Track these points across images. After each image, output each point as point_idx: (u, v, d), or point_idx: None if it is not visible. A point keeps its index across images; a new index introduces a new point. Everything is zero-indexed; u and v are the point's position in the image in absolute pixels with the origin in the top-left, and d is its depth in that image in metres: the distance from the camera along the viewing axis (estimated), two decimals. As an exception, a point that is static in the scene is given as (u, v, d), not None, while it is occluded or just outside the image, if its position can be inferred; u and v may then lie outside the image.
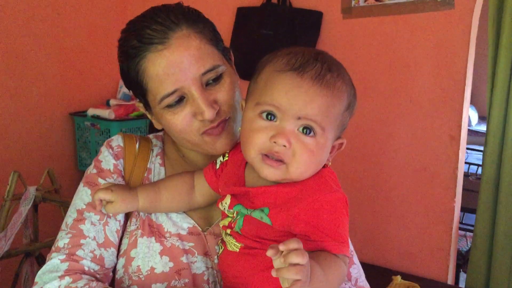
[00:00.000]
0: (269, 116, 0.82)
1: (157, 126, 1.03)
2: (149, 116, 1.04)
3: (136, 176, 1.04)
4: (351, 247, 1.03)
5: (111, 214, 0.98)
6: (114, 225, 0.99)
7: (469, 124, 4.31)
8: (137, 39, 0.92)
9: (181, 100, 0.92)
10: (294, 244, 0.66)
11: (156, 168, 1.07)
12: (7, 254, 2.06)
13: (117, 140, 1.07)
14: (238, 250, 0.87)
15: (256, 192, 0.86)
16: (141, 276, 0.96)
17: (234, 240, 0.87)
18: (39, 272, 0.93)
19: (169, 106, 0.93)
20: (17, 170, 2.18)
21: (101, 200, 0.93)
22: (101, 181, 1.01)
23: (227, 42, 2.77)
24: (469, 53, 2.27)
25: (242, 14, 2.79)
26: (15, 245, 2.12)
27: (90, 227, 0.96)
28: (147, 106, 1.00)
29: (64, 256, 0.93)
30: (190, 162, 1.07)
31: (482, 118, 5.08)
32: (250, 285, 0.86)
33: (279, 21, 2.61)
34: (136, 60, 0.92)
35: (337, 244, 0.80)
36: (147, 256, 0.97)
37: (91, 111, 2.88)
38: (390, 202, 2.58)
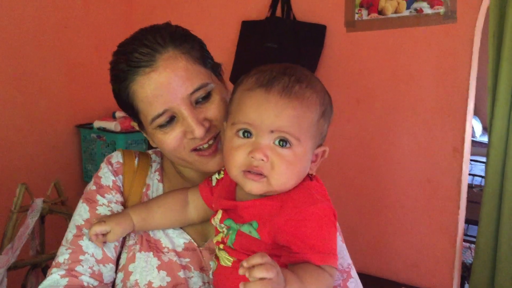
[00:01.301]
0: (245, 134, 0.84)
1: (152, 144, 1.05)
2: (144, 134, 1.06)
3: (135, 192, 1.06)
4: (349, 261, 1.04)
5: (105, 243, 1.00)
6: (112, 242, 1.00)
7: (473, 135, 4.31)
8: (126, 63, 0.94)
9: (172, 119, 0.94)
10: (257, 259, 0.67)
11: (155, 184, 1.09)
12: (13, 265, 2.07)
13: (116, 157, 1.10)
14: (230, 264, 0.88)
15: (243, 206, 0.87)
16: None
17: (227, 254, 0.88)
18: (39, 287, 0.94)
19: (160, 126, 0.95)
20: (24, 182, 2.20)
21: (98, 234, 0.95)
22: (99, 198, 1.03)
23: (231, 55, 2.81)
24: (472, 65, 2.29)
25: (247, 27, 2.82)
26: (21, 256, 2.13)
27: (88, 243, 0.98)
28: (140, 125, 1.02)
29: (64, 272, 0.95)
30: (187, 179, 1.09)
31: (486, 129, 5.08)
32: None
33: (283, 34, 2.64)
34: (126, 83, 0.95)
35: (321, 255, 0.80)
36: (145, 271, 0.98)
37: (97, 124, 2.90)
38: (394, 213, 2.58)
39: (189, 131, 0.94)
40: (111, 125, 2.84)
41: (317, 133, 0.87)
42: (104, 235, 0.96)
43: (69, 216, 2.21)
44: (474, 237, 2.86)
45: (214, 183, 0.99)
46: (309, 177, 0.89)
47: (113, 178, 1.06)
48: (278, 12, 2.72)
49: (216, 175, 0.99)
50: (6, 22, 2.61)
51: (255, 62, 2.92)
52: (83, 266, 0.96)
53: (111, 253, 1.00)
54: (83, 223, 1.00)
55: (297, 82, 0.84)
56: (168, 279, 0.97)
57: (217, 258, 0.92)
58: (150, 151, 1.16)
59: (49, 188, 2.26)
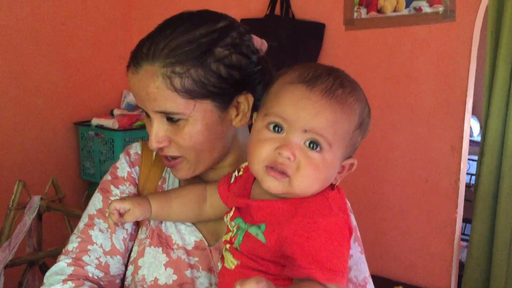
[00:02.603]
0: (276, 128, 0.80)
1: None
2: None
3: (150, 184, 1.05)
4: (366, 274, 0.99)
5: (122, 224, 0.99)
6: (121, 234, 1.00)
7: (471, 135, 4.31)
8: (132, 56, 0.93)
9: (148, 116, 0.93)
10: (251, 284, 0.64)
11: (171, 177, 1.06)
12: (11, 263, 2.07)
13: (135, 148, 1.08)
14: (233, 267, 0.84)
15: (255, 205, 0.83)
16: (145, 286, 0.96)
17: (231, 256, 0.84)
18: (47, 273, 0.95)
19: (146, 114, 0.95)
20: (21, 180, 2.19)
21: (117, 211, 0.92)
22: (113, 188, 1.03)
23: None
24: (471, 64, 2.29)
25: (246, 25, 2.81)
26: (18, 254, 2.13)
27: (98, 234, 0.98)
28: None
29: (70, 260, 0.95)
30: (201, 177, 1.04)
31: (484, 129, 5.08)
32: None
33: (282, 33, 2.63)
34: (128, 72, 0.93)
35: (327, 273, 0.73)
36: (152, 266, 0.97)
37: (95, 121, 2.90)
38: (391, 212, 2.58)
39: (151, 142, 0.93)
40: (109, 122, 2.84)
41: (350, 144, 0.83)
42: (121, 215, 0.93)
43: (66, 213, 2.21)
44: (471, 236, 2.88)
45: (232, 180, 0.94)
46: (331, 187, 0.85)
47: (129, 170, 1.05)
48: (277, 11, 2.72)
49: (236, 173, 0.95)
50: (3, 19, 2.60)
51: (254, 60, 2.90)
52: (90, 257, 0.95)
53: (120, 245, 0.99)
54: (95, 212, 1.00)
55: (341, 86, 0.80)
56: (175, 277, 0.96)
57: (222, 258, 0.88)
58: None
59: (47, 186, 2.26)
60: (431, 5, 2.31)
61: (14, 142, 2.70)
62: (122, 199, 0.93)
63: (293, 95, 0.79)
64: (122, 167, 1.05)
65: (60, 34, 2.88)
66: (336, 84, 0.80)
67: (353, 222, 1.04)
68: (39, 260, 2.23)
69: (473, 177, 3.34)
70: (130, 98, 3.11)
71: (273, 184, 0.79)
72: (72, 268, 0.94)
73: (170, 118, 0.90)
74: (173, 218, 0.99)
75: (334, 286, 0.74)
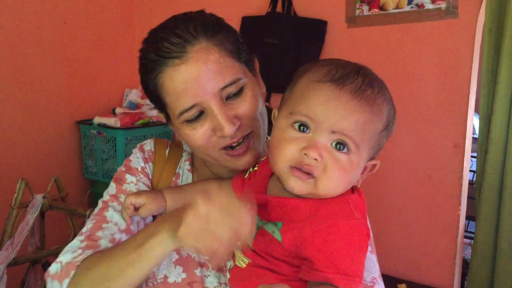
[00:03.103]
0: (302, 127, 0.78)
1: (179, 137, 1.01)
2: (171, 127, 1.01)
3: (164, 180, 1.05)
4: (375, 274, 0.97)
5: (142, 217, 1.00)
6: (136, 217, 1.00)
7: (473, 132, 4.30)
8: (155, 53, 0.89)
9: (200, 114, 0.90)
10: None
11: (185, 173, 1.07)
12: (14, 261, 2.07)
13: (149, 145, 1.09)
14: (244, 266, 0.83)
15: (275, 203, 0.81)
16: (155, 283, 0.96)
17: (242, 255, 0.83)
18: (61, 252, 0.95)
19: (188, 121, 0.90)
20: (24, 178, 2.20)
21: (133, 206, 0.94)
22: (128, 176, 1.03)
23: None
24: (473, 61, 2.28)
25: (247, 23, 2.81)
26: (21, 252, 2.13)
27: (113, 213, 0.98)
28: (167, 118, 0.98)
29: (83, 237, 0.95)
30: (214, 173, 1.05)
31: (486, 126, 5.06)
32: None
33: (284, 30, 2.63)
34: (153, 74, 0.90)
35: (345, 278, 0.72)
36: (163, 264, 0.97)
37: (97, 120, 2.90)
38: (394, 210, 2.58)
39: (219, 128, 0.88)
40: (111, 121, 2.84)
41: (376, 145, 0.81)
42: (136, 210, 0.94)
43: (69, 212, 2.21)
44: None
45: (246, 175, 0.93)
46: (352, 189, 0.83)
47: (143, 165, 1.06)
48: (279, 8, 2.71)
49: (250, 168, 0.94)
50: (5, 18, 2.60)
51: (256, 57, 2.91)
52: (103, 232, 0.95)
53: (134, 227, 0.99)
54: (108, 197, 1.01)
55: (370, 86, 0.78)
56: (184, 275, 0.96)
57: (233, 256, 0.87)
58: (184, 142, 1.11)
59: (49, 184, 2.26)
60: (433, 2, 2.30)
61: (16, 141, 2.71)
62: (137, 193, 0.95)
63: (322, 95, 0.77)
64: (136, 161, 1.06)
65: (62, 33, 2.88)
66: (365, 83, 0.78)
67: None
68: (41, 259, 2.24)
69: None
70: (132, 97, 3.11)
71: (297, 185, 0.77)
72: (85, 242, 0.94)
73: (229, 96, 0.90)
74: None
75: None
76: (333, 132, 0.76)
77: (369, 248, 1.00)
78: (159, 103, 0.95)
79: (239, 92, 0.90)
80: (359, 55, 2.54)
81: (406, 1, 2.37)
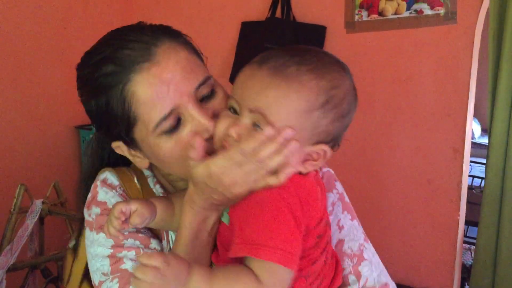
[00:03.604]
0: (232, 110, 0.79)
1: (143, 165, 0.92)
2: (130, 157, 0.92)
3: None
4: (361, 241, 0.96)
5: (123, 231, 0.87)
6: (157, 244, 0.90)
7: (472, 137, 4.32)
8: (114, 63, 0.80)
9: (178, 123, 0.82)
10: (143, 259, 0.64)
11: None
12: (12, 267, 2.06)
13: (113, 178, 0.95)
14: (228, 224, 0.81)
15: None
16: None
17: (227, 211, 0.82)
18: None
19: (166, 132, 0.82)
20: (23, 183, 2.19)
21: (123, 214, 0.81)
22: None
23: (231, 56, 2.81)
24: (472, 66, 2.29)
25: (247, 28, 2.82)
26: (20, 258, 2.12)
27: (133, 264, 0.85)
28: (130, 143, 0.89)
29: None
30: (180, 188, 0.97)
31: (485, 131, 5.09)
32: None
33: (283, 35, 2.64)
34: (119, 87, 0.80)
35: (248, 246, 0.70)
36: None
37: (96, 125, 2.90)
38: (394, 215, 2.58)
39: (202, 130, 0.81)
40: (111, 126, 2.83)
41: (311, 127, 0.76)
42: (124, 222, 0.82)
43: (68, 217, 2.20)
44: (474, 238, 2.87)
45: None
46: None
47: (122, 200, 0.92)
48: (278, 13, 2.72)
49: None
50: (5, 22, 2.60)
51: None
52: None
53: None
54: (112, 250, 0.87)
55: (298, 63, 0.74)
56: None
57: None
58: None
59: (49, 189, 2.25)
60: (432, 8, 2.31)
61: (15, 146, 2.70)
62: (126, 201, 0.83)
63: (243, 75, 0.77)
64: (112, 201, 0.91)
65: (61, 38, 2.88)
66: (291, 61, 0.75)
67: (339, 188, 1.02)
68: (40, 264, 2.23)
69: (475, 180, 3.34)
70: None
71: None
72: None
73: (203, 98, 0.84)
74: (176, 222, 0.90)
75: (259, 265, 0.69)
76: (251, 111, 0.74)
77: (348, 216, 0.98)
78: (125, 124, 0.84)
79: (211, 94, 0.86)
80: (358, 61, 2.55)
81: (405, 7, 2.37)
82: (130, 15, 3.27)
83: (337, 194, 1.01)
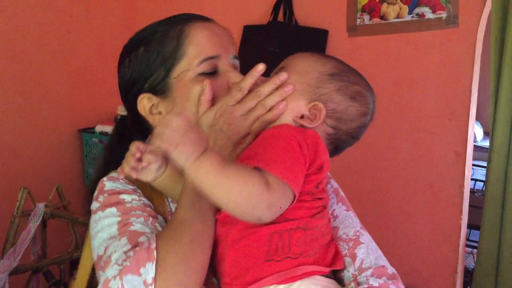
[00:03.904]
0: None
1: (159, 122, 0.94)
2: (149, 115, 0.95)
3: (156, 199, 0.94)
4: (357, 227, 0.97)
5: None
6: (162, 222, 0.89)
7: (474, 140, 4.31)
8: (176, 17, 0.97)
9: (214, 71, 0.93)
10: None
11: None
12: (15, 270, 2.07)
13: (114, 175, 0.95)
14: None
15: None
16: None
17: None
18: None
19: (205, 73, 0.91)
20: (26, 187, 2.20)
21: (139, 151, 0.80)
22: (124, 196, 0.89)
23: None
24: (474, 70, 2.29)
25: (249, 32, 2.82)
26: (23, 261, 2.13)
27: (141, 226, 0.84)
28: (159, 92, 0.93)
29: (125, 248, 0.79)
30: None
31: (487, 134, 5.08)
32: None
33: (286, 39, 2.64)
34: (180, 25, 0.94)
35: (252, 158, 0.75)
36: None
37: (99, 128, 2.91)
38: (396, 219, 2.57)
39: (232, 81, 0.92)
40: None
41: (312, 83, 0.89)
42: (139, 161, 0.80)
43: (71, 220, 2.21)
44: (476, 242, 2.86)
45: None
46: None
47: (131, 187, 0.92)
48: (280, 17, 2.73)
49: None
50: (8, 27, 2.61)
51: (257, 66, 2.90)
52: (147, 237, 0.81)
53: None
54: (120, 219, 0.85)
55: (336, 59, 0.95)
56: None
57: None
58: None
59: (51, 193, 2.26)
60: (434, 11, 2.31)
61: (18, 150, 2.71)
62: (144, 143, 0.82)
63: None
64: (120, 186, 0.92)
65: (64, 41, 2.90)
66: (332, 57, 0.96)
67: (334, 184, 1.06)
68: (43, 268, 2.23)
69: (478, 183, 3.33)
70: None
71: None
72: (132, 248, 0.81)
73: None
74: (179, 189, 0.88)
75: (269, 174, 0.73)
76: (280, 68, 0.95)
77: (344, 207, 1.01)
78: (169, 60, 0.92)
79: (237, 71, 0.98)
80: (360, 64, 2.54)
81: (407, 10, 2.38)
82: (132, 19, 3.28)
83: (331, 188, 1.04)
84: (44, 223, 2.22)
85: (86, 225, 2.08)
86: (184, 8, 3.06)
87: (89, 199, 1.00)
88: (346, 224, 0.97)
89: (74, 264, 2.55)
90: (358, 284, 0.86)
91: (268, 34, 2.70)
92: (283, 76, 0.87)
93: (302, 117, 0.87)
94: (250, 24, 2.82)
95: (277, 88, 0.86)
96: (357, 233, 0.96)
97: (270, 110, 0.86)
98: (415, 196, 2.50)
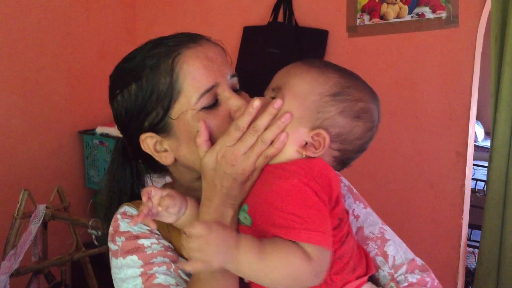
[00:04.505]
0: None
1: (167, 160, 0.92)
2: (155, 153, 0.93)
3: (174, 232, 0.93)
4: (380, 225, 1.01)
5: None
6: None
7: (475, 140, 4.31)
8: (164, 44, 0.89)
9: (215, 102, 0.87)
10: (190, 229, 0.66)
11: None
12: (16, 272, 2.07)
13: (132, 211, 0.95)
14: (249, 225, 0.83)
15: None
16: None
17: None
18: None
19: (206, 108, 0.86)
20: (27, 188, 2.20)
21: (150, 199, 0.81)
22: (143, 241, 0.89)
23: (233, 60, 2.80)
24: (474, 69, 2.29)
25: (249, 32, 2.82)
26: (24, 263, 2.13)
27: (166, 277, 0.85)
28: (161, 131, 0.90)
29: None
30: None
31: (488, 134, 5.07)
32: None
33: (285, 40, 2.64)
34: (168, 61, 0.87)
35: (286, 230, 0.71)
36: None
37: (99, 129, 2.91)
38: (397, 218, 2.57)
39: (237, 109, 0.87)
40: (114, 130, 2.84)
41: (313, 108, 0.82)
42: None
43: (71, 222, 2.21)
44: (477, 242, 2.86)
45: None
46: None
47: (147, 228, 0.91)
48: (280, 18, 2.73)
49: None
50: (9, 29, 2.62)
51: (257, 67, 2.94)
52: None
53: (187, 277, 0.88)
54: (142, 269, 0.86)
55: (333, 65, 0.88)
56: None
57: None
58: None
59: (52, 194, 2.26)
60: (434, 11, 2.31)
61: (19, 151, 2.72)
62: (158, 188, 0.84)
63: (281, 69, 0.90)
64: (135, 228, 0.91)
65: (65, 43, 2.90)
66: (330, 63, 0.88)
67: (345, 182, 1.07)
68: (44, 269, 2.24)
69: (479, 183, 3.33)
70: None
71: None
72: None
73: (235, 90, 0.91)
74: None
75: (309, 246, 0.71)
76: (273, 88, 0.85)
77: (362, 206, 1.04)
78: (166, 99, 0.87)
79: (238, 91, 0.92)
80: (360, 64, 2.55)
81: (406, 10, 2.38)
82: (133, 22, 3.28)
83: (345, 187, 1.06)
84: (45, 224, 2.23)
85: (86, 226, 2.08)
86: (184, 10, 3.06)
87: (103, 225, 1.01)
88: (369, 222, 1.00)
89: (75, 265, 2.55)
90: (398, 283, 0.91)
91: (268, 35, 2.70)
92: (277, 104, 0.79)
93: (305, 144, 0.82)
94: (250, 25, 2.82)
95: (275, 118, 0.80)
96: (382, 230, 1.00)
97: (271, 143, 0.80)
98: (416, 196, 2.50)
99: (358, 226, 0.98)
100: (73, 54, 2.95)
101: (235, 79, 0.91)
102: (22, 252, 2.06)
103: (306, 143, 0.81)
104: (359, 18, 2.52)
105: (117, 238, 0.91)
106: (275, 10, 2.73)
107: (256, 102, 0.79)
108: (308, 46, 2.62)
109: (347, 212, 0.88)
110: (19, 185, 2.42)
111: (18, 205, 2.17)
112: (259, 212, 0.78)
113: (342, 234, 0.82)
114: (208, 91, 0.86)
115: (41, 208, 2.16)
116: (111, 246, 0.92)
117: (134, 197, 1.00)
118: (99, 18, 3.08)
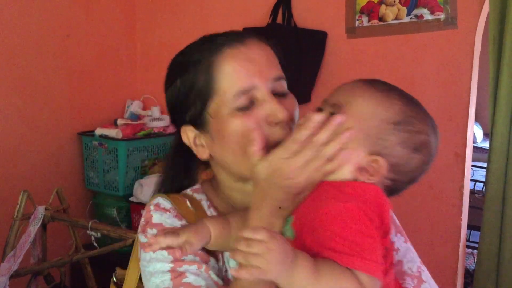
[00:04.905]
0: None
1: (203, 154, 0.94)
2: (193, 146, 0.95)
3: None
4: (418, 263, 0.99)
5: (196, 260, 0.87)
6: (214, 264, 0.90)
7: (474, 141, 4.31)
8: (210, 41, 0.90)
9: (251, 104, 0.86)
10: (247, 233, 0.66)
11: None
12: (15, 273, 2.07)
13: (166, 203, 0.95)
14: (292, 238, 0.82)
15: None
16: None
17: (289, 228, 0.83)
18: None
19: (240, 108, 0.86)
20: (26, 190, 2.20)
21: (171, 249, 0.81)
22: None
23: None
24: (473, 71, 2.29)
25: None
26: (23, 264, 2.13)
27: (196, 278, 0.84)
28: (199, 125, 0.92)
29: None
30: (237, 205, 0.97)
31: (487, 135, 5.08)
32: None
33: (284, 41, 2.64)
34: (208, 59, 0.88)
35: (343, 256, 0.70)
36: None
37: (99, 131, 2.91)
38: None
39: (272, 114, 0.85)
40: (113, 132, 2.84)
41: (373, 134, 0.80)
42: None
43: (71, 223, 2.21)
44: (476, 243, 2.86)
45: None
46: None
47: (180, 222, 0.92)
48: (279, 19, 2.73)
49: None
50: (8, 31, 2.62)
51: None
52: None
53: (220, 281, 0.87)
54: (172, 265, 0.85)
55: (397, 89, 0.89)
56: None
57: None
58: (188, 191, 1.01)
59: (51, 196, 2.26)
60: (432, 13, 2.32)
61: (18, 153, 2.72)
62: (173, 233, 0.81)
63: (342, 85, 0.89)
64: (168, 222, 0.91)
65: (64, 45, 2.90)
66: (393, 87, 0.88)
67: (392, 215, 1.05)
68: (43, 271, 2.24)
69: (477, 184, 3.33)
70: (133, 108, 3.12)
71: None
72: None
73: (276, 93, 0.89)
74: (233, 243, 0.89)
75: (361, 274, 0.70)
76: (332, 104, 0.83)
77: (402, 239, 1.03)
78: (203, 96, 0.89)
79: (283, 94, 0.90)
80: (359, 66, 2.56)
81: (405, 12, 2.38)
82: (133, 23, 3.28)
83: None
84: (44, 226, 2.23)
85: (85, 227, 2.08)
86: (184, 12, 3.07)
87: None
88: (408, 258, 0.99)
89: (74, 267, 2.55)
90: None
91: (267, 36, 2.68)
92: (339, 120, 0.76)
93: (361, 169, 0.80)
94: (249, 26, 2.83)
95: (334, 134, 0.77)
96: (419, 270, 0.99)
97: (329, 159, 0.78)
98: (414, 197, 2.50)
99: (398, 259, 0.97)
100: (72, 56, 2.95)
101: (281, 82, 0.90)
102: (21, 253, 2.06)
103: (361, 168, 0.80)
104: (357, 20, 2.53)
105: (148, 230, 0.91)
106: (274, 12, 2.73)
107: (317, 117, 0.76)
108: (307, 47, 2.62)
109: (392, 243, 0.88)
110: (19, 186, 2.42)
111: (18, 206, 2.17)
112: (307, 228, 0.76)
113: (387, 264, 0.80)
114: (243, 92, 0.86)
115: (41, 210, 2.16)
116: (141, 238, 0.92)
117: (182, 187, 1.03)
118: (99, 19, 3.08)
